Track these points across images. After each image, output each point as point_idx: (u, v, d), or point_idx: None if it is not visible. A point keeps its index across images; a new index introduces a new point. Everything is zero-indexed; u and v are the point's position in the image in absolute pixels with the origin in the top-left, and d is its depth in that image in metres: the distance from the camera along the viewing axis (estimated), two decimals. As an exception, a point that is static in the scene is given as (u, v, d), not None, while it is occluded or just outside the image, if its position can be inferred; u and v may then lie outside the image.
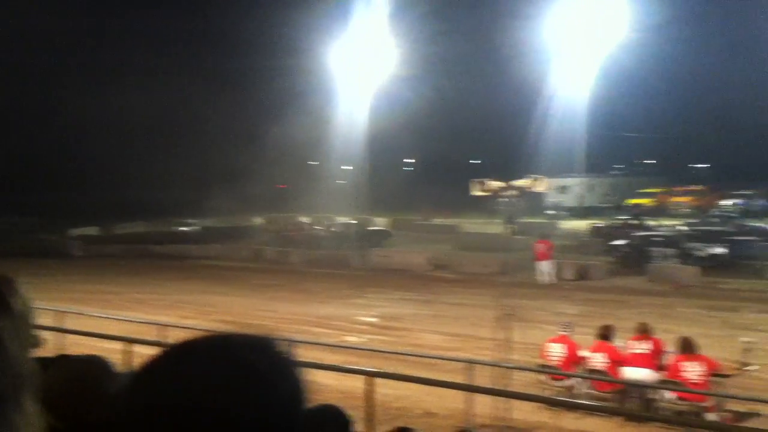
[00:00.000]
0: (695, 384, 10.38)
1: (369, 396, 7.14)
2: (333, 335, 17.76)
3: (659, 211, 53.51)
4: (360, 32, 63.28)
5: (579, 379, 11.50)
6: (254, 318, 20.75)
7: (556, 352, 11.78)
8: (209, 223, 51.26)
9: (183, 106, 71.73)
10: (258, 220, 57.88)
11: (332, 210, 58.82)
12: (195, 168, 71.67)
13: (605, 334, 11.75)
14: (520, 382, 11.28)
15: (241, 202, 58.96)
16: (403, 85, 66.04)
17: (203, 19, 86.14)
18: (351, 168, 76.92)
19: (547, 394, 11.39)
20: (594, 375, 11.38)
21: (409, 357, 13.92)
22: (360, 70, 63.96)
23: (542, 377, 11.76)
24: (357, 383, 8.40)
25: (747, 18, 66.00)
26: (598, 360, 11.43)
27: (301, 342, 12.11)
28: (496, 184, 9.62)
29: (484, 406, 9.45)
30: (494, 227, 36.29)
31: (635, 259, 28.92)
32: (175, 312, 21.35)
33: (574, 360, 11.73)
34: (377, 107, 67.22)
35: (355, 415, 8.31)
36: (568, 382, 11.57)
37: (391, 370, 11.48)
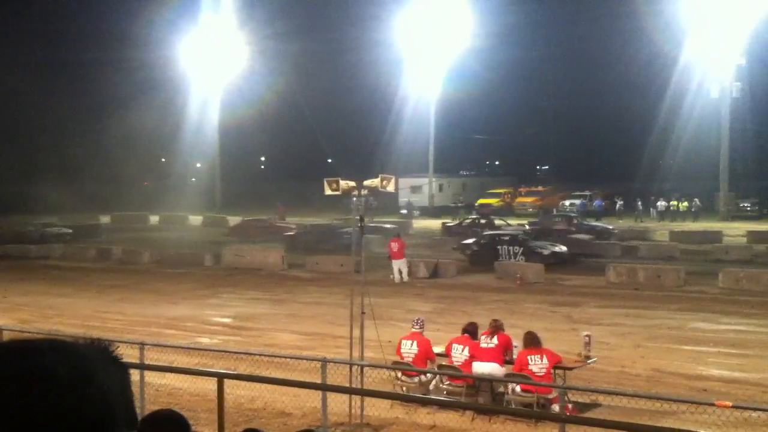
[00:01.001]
0: (540, 377, 10.83)
1: (220, 398, 6.99)
2: (185, 337, 17.31)
3: (506, 211, 55.55)
4: (211, 27, 62.16)
5: (432, 375, 11.76)
6: (100, 320, 19.91)
7: (410, 349, 11.97)
8: (51, 221, 48.65)
9: (21, 101, 67.79)
10: (105, 219, 55.61)
11: (184, 208, 57.42)
12: (36, 165, 68.07)
13: (470, 330, 12.05)
14: (375, 379, 11.38)
15: (86, 200, 56.54)
16: (257, 83, 65.35)
17: (45, 10, 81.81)
18: (203, 166, 75.37)
19: (401, 390, 11.57)
20: (445, 371, 11.66)
21: (265, 357, 13.77)
22: (212, 66, 62.76)
23: (396, 374, 11.92)
24: (210, 385, 8.21)
25: (589, 27, 69.60)
26: (458, 353, 11.69)
27: (151, 345, 11.71)
28: (347, 183, 9.75)
29: (339, 404, 9.47)
30: (348, 226, 36.57)
31: (484, 257, 29.91)
32: (12, 315, 20.17)
33: (427, 356, 11.97)
34: (230, 105, 66.24)
35: (206, 418, 8.11)
36: (422, 378, 11.79)
37: (245, 371, 11.31)
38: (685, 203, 53.83)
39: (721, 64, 52.03)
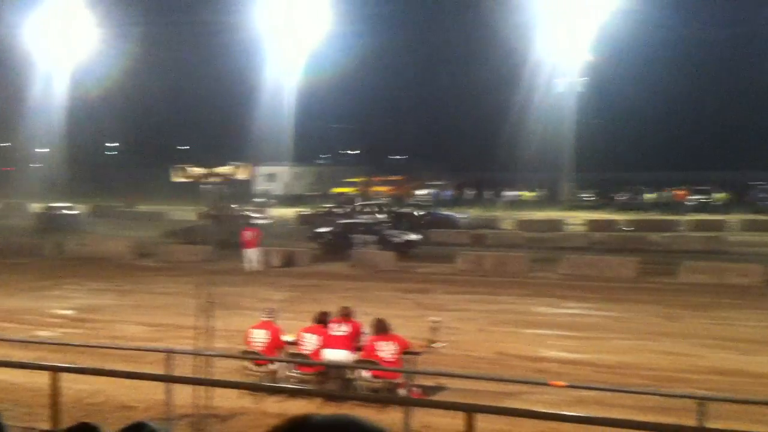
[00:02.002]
0: (389, 362, 11.01)
1: (54, 392, 6.67)
2: (22, 330, 16.41)
3: (362, 200, 56.05)
4: (58, 7, 59.07)
5: (282, 363, 11.70)
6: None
7: (260, 337, 11.87)
8: None
9: None
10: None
11: (25, 195, 54.39)
12: None
13: (322, 319, 12.05)
14: (224, 369, 11.21)
15: None
16: (108, 67, 62.67)
17: None
18: (47, 150, 71.60)
19: (251, 379, 11.45)
20: (296, 359, 11.64)
21: (109, 350, 13.28)
22: (59, 48, 59.67)
23: (246, 363, 11.78)
24: (47, 380, 7.82)
25: (445, 20, 71.08)
26: (310, 342, 11.67)
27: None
28: (197, 170, 9.48)
29: (186, 396, 9.25)
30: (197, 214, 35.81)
31: (338, 245, 30.07)
32: None
33: (277, 345, 11.90)
34: (79, 89, 63.19)
35: (44, 413, 7.72)
36: (271, 367, 11.71)
37: (88, 364, 10.86)
38: (531, 193, 56.22)
39: (568, 59, 54.56)
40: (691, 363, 13.59)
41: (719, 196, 52.24)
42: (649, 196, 53.02)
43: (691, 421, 6.95)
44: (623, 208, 51.58)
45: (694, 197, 52.14)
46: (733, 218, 44.12)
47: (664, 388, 11.62)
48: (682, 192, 53.37)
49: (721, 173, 58.53)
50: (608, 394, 10.14)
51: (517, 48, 57.42)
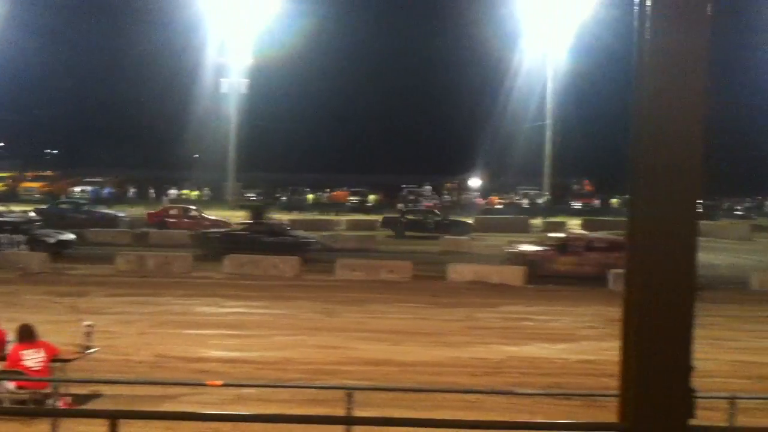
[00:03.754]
0: (36, 371, 10.17)
1: None
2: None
3: (10, 197, 51.53)
4: None
5: None
6: None
7: None
8: None
9: None
10: None
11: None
12: None
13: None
14: None
15: None
16: None
17: None
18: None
19: None
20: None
21: None
22: None
23: None
24: None
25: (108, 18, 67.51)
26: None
27: None
28: None
29: None
30: None
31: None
32: None
33: None
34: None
35: None
36: None
37: None
38: (196, 192, 55.77)
39: (232, 61, 54.95)
40: (346, 355, 14.35)
41: (373, 197, 55.98)
42: (310, 197, 55.22)
43: (341, 411, 7.31)
44: (286, 208, 53.21)
45: (352, 198, 55.35)
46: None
47: (320, 380, 12.15)
48: (341, 193, 56.37)
49: (375, 176, 62.87)
50: (267, 390, 10.35)
51: (183, 46, 56.70)
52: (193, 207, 42.63)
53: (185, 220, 38.13)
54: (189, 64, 57.03)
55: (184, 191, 55.70)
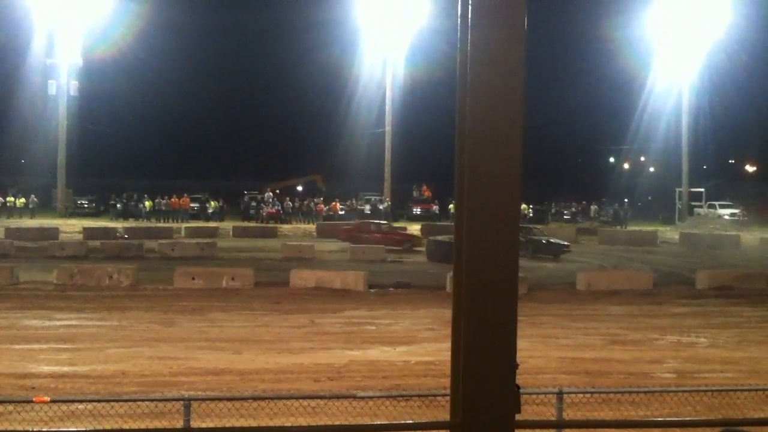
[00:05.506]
0: None
1: None
2: None
3: None
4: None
5: None
6: None
7: None
8: None
9: None
10: None
11: None
12: None
13: None
14: None
15: None
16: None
17: None
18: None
19: None
20: None
21: None
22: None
23: None
24: None
25: None
26: None
27: None
28: None
29: None
30: None
31: None
32: None
33: None
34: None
35: None
36: None
37: None
38: (23, 199, 52.72)
39: (61, 62, 52.44)
40: (186, 366, 14.02)
41: (213, 203, 54.93)
42: (148, 204, 53.48)
43: (179, 423, 7.15)
44: (122, 215, 51.26)
45: (193, 205, 54.04)
46: (226, 225, 46.94)
47: (159, 392, 11.79)
48: (183, 200, 54.92)
49: (213, 181, 61.78)
50: (101, 404, 9.93)
51: (8, 45, 53.58)
52: (383, 221, 43.78)
53: (377, 235, 38.51)
54: (14, 64, 53.91)
55: (9, 198, 52.43)
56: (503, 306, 3.64)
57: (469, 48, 3.55)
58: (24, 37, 52.04)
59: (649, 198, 71.07)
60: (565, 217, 59.58)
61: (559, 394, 7.50)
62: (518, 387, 3.69)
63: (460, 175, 3.70)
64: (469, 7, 3.55)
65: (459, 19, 3.64)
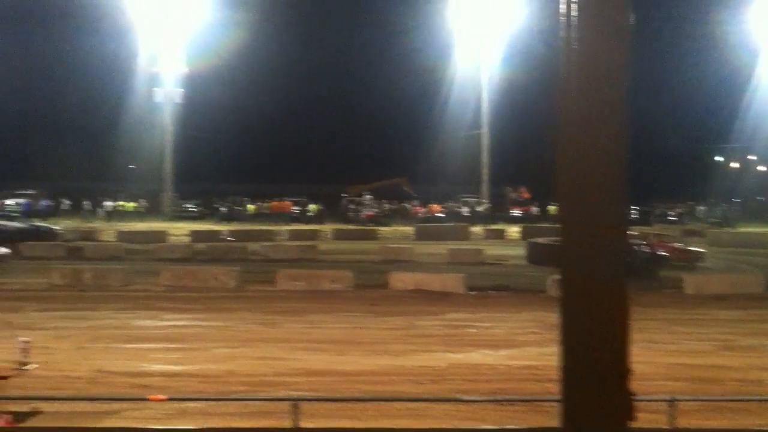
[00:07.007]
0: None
1: None
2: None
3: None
4: None
5: None
6: None
7: None
8: None
9: None
10: None
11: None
12: None
13: None
14: None
15: None
16: None
17: None
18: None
19: None
20: None
21: None
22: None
23: None
24: None
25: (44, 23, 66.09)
26: None
27: None
28: None
29: None
30: None
31: None
32: None
33: None
34: None
35: None
36: None
37: None
38: (132, 204, 54.86)
39: (166, 70, 54.34)
40: (289, 366, 14.30)
41: (313, 206, 55.87)
42: (251, 207, 54.84)
43: (287, 423, 7.30)
44: (225, 218, 52.70)
45: (294, 208, 55.17)
46: (326, 228, 47.61)
47: (264, 392, 12.08)
48: (284, 203, 56.12)
49: (312, 185, 62.67)
50: (211, 403, 10.27)
51: (117, 56, 55.78)
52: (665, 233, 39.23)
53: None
54: (123, 73, 56.16)
55: (120, 203, 54.69)
56: (613, 309, 3.57)
57: (571, 47, 3.50)
58: (131, 48, 54.09)
59: (759, 198, 68.15)
60: (669, 218, 57.70)
61: (672, 402, 7.29)
62: (631, 393, 3.60)
63: (561, 177, 3.64)
64: (572, 5, 3.50)
65: (560, 18, 3.60)
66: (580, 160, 3.51)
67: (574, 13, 3.50)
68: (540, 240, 33.17)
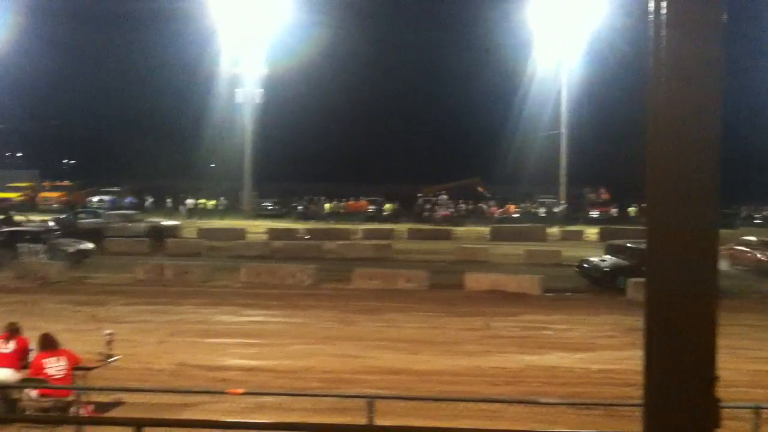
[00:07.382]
0: (58, 379, 10.28)
1: None
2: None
3: (29, 207, 51.96)
4: None
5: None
6: None
7: None
8: None
9: None
10: None
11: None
12: None
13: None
14: None
15: None
16: None
17: None
18: None
19: None
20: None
21: None
22: None
23: None
24: None
25: (120, 28, 68.14)
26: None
27: None
28: None
29: None
30: None
31: (2, 255, 27.43)
32: None
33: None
34: None
35: None
36: None
37: None
38: (212, 201, 56.02)
39: (246, 71, 55.30)
40: (365, 364, 14.38)
41: (389, 206, 56.03)
42: (327, 206, 55.41)
43: (362, 420, 7.33)
44: (303, 217, 53.32)
45: (370, 207, 55.50)
46: (401, 227, 47.66)
47: (339, 389, 12.18)
48: (361, 203, 56.47)
49: (388, 185, 62.85)
50: (287, 398, 10.39)
51: (198, 57, 57.03)
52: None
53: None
54: (204, 74, 57.36)
55: (201, 201, 55.94)
56: (701, 313, 3.47)
57: (661, 46, 3.41)
58: (212, 49, 55.21)
59: None
60: (756, 221, 55.75)
61: (757, 409, 7.05)
62: (718, 400, 3.49)
63: (651, 178, 3.55)
64: (663, 3, 3.41)
65: (649, 16, 3.50)
66: (670, 161, 3.42)
67: (663, 10, 3.41)
68: (617, 242, 31.27)
